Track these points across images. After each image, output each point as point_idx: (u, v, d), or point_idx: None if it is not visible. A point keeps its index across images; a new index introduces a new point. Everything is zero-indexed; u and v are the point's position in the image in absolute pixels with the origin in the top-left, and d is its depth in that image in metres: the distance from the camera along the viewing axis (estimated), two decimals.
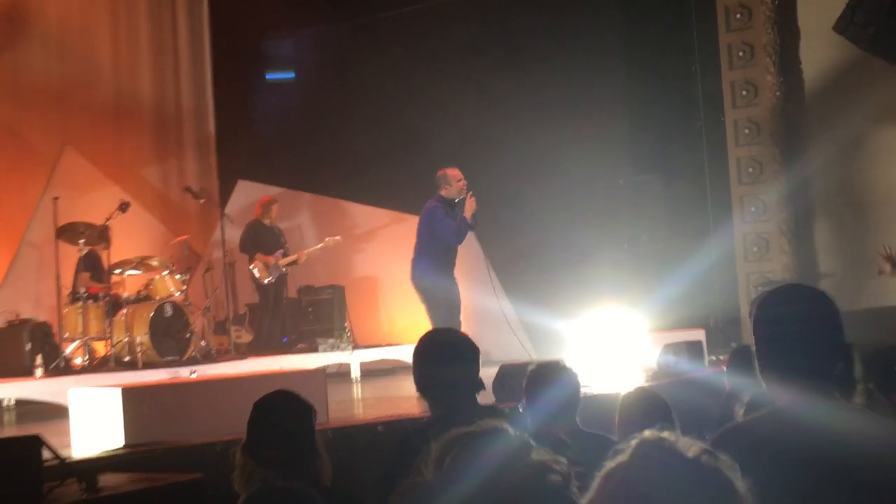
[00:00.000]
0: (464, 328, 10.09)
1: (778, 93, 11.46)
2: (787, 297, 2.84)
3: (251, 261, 12.21)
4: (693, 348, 9.47)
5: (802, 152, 11.43)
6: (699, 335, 10.20)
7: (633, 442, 1.76)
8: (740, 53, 11.73)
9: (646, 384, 8.02)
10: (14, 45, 12.39)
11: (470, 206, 9.42)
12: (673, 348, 9.32)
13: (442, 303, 9.41)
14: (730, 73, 11.84)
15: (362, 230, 13.74)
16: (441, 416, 3.62)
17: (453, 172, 9.69)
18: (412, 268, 9.58)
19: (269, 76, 14.65)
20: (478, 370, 3.76)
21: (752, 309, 2.86)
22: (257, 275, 12.18)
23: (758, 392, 3.86)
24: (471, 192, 9.50)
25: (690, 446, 1.75)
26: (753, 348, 2.80)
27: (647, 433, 1.78)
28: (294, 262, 12.43)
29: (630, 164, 12.35)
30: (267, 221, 12.40)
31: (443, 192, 9.64)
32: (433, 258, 9.48)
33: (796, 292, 2.90)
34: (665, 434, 1.77)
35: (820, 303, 2.76)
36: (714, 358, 9.99)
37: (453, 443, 1.99)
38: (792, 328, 2.72)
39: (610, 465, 1.74)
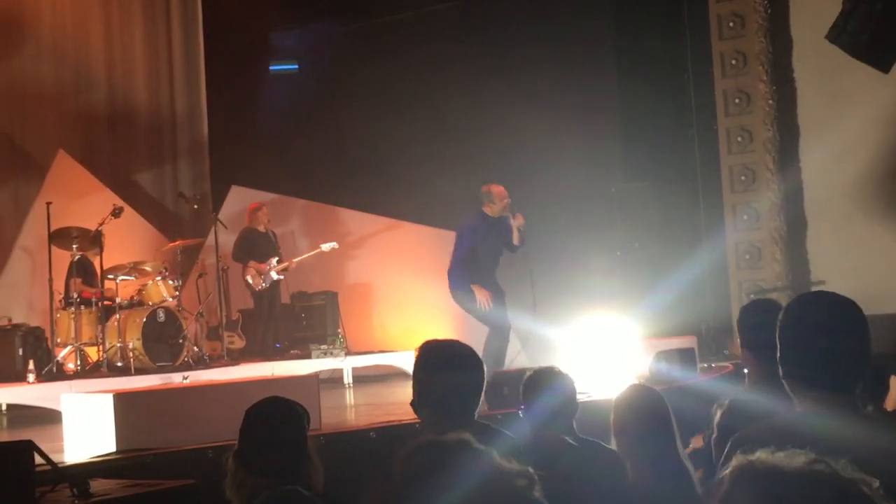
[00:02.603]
0: (459, 335, 10.06)
1: (770, 101, 11.50)
2: (816, 304, 2.84)
3: (244, 269, 12.19)
4: (685, 355, 9.48)
5: (795, 161, 11.47)
6: (691, 342, 10.22)
7: (727, 472, 1.62)
8: (733, 62, 11.76)
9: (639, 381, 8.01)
10: (8, 50, 12.40)
11: (517, 222, 9.58)
12: (665, 355, 9.33)
13: (482, 318, 9.56)
14: (722, 82, 11.87)
15: (356, 236, 13.73)
16: (440, 432, 3.49)
17: (498, 190, 9.68)
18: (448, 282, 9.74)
19: (273, 68, 14.72)
20: (482, 385, 3.66)
21: (782, 315, 2.82)
22: (251, 282, 12.16)
23: (736, 397, 3.86)
24: (517, 213, 9.60)
25: (794, 458, 1.61)
26: (778, 353, 2.77)
27: (734, 460, 1.64)
28: (286, 269, 12.41)
29: (622, 172, 12.37)
30: (261, 228, 12.37)
31: (486, 210, 9.68)
32: (460, 272, 9.58)
33: (825, 299, 2.86)
34: (759, 455, 1.64)
35: (851, 311, 2.76)
36: (706, 365, 10.01)
37: (419, 450, 2.02)
38: (819, 336, 2.70)
39: None
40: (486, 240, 9.61)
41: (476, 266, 9.55)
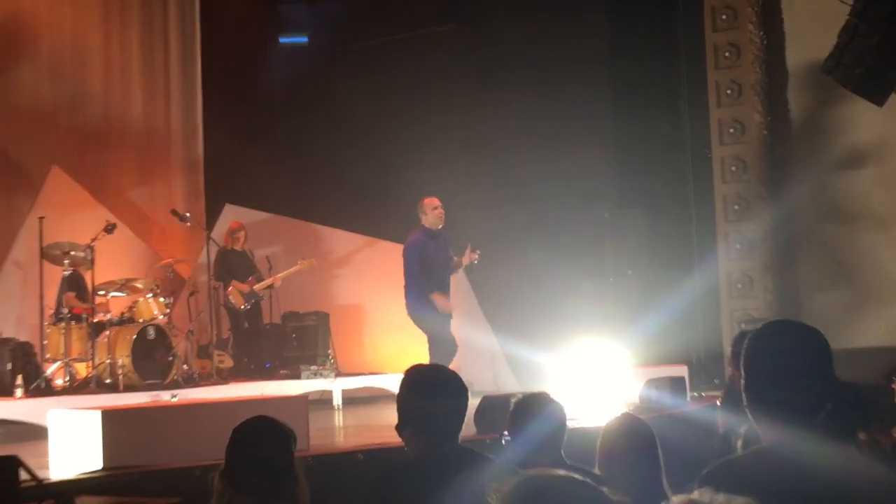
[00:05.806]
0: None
1: (765, 131, 11.52)
2: (780, 332, 2.83)
3: (226, 288, 12.15)
4: (676, 384, 9.48)
5: (788, 191, 11.48)
6: (682, 371, 10.21)
7: None
8: (728, 91, 11.80)
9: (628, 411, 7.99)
10: (4, 64, 12.39)
11: (467, 259, 9.72)
12: (656, 383, 9.33)
13: (435, 334, 9.57)
14: (717, 111, 11.90)
15: (349, 258, 13.72)
16: (422, 456, 3.52)
17: (429, 201, 9.86)
18: (405, 300, 9.75)
19: (283, 39, 14.73)
20: (465, 410, 3.67)
21: (746, 343, 2.84)
22: (233, 301, 12.13)
23: (752, 427, 3.85)
24: (477, 252, 9.75)
25: (731, 502, 1.61)
26: (743, 382, 2.77)
27: (674, 499, 1.64)
28: (270, 287, 12.38)
29: (616, 198, 12.39)
30: (237, 247, 12.35)
31: (423, 222, 9.80)
32: (416, 292, 9.62)
33: (789, 328, 2.87)
34: (697, 496, 1.64)
35: (813, 339, 2.75)
36: (696, 394, 10.00)
37: (533, 487, 1.92)
38: (783, 363, 2.70)
39: None
40: (432, 251, 9.74)
41: (430, 278, 9.64)
